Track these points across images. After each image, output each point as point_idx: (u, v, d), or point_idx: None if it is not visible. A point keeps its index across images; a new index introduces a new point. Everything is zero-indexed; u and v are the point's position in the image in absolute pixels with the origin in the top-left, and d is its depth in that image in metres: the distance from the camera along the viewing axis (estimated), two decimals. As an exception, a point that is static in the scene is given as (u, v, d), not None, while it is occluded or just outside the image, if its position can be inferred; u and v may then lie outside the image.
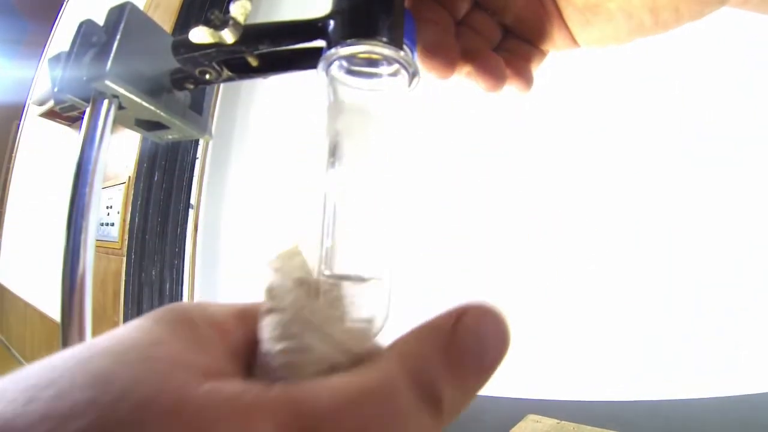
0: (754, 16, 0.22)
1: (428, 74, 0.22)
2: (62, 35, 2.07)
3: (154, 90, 0.25)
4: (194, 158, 1.24)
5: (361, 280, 0.20)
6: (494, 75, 0.23)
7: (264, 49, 0.22)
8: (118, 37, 0.23)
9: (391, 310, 0.21)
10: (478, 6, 0.24)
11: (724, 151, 0.63)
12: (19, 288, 2.00)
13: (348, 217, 0.20)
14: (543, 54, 0.26)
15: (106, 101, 0.24)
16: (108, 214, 1.18)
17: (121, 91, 0.23)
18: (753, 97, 0.63)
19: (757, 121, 0.62)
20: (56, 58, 0.25)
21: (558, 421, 0.52)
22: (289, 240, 0.16)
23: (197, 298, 1.19)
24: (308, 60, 0.22)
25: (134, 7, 0.24)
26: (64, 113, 1.58)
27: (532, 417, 0.53)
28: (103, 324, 1.11)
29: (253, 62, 0.23)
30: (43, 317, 1.61)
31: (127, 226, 1.12)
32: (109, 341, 0.11)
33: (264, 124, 1.23)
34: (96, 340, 0.11)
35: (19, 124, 2.49)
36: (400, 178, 0.22)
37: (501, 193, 0.80)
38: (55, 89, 0.24)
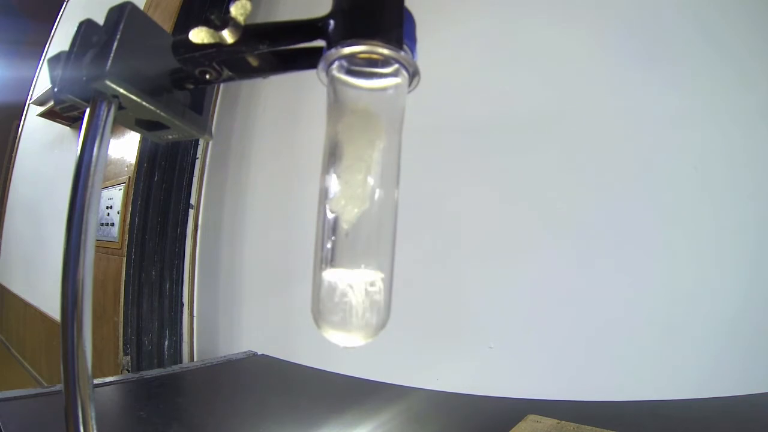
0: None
1: None
2: (62, 35, 2.07)
3: (154, 90, 0.25)
4: (194, 158, 1.23)
5: (362, 276, 0.20)
6: None
7: (264, 49, 0.22)
8: (118, 37, 0.23)
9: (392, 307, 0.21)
10: None
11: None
12: (19, 288, 2.00)
13: (349, 216, 0.20)
14: None
15: (106, 101, 0.24)
16: (108, 214, 1.18)
17: (121, 91, 0.23)
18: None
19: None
20: (56, 58, 0.24)
21: (558, 421, 0.52)
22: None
23: (197, 299, 1.19)
24: (308, 60, 0.22)
25: (134, 7, 0.24)
26: (64, 113, 1.58)
27: (532, 417, 0.53)
28: (103, 324, 1.11)
29: (253, 62, 0.23)
30: (43, 317, 1.61)
31: (127, 226, 1.11)
32: None
33: (264, 123, 1.23)
34: None
35: (19, 124, 2.49)
36: (400, 177, 0.22)
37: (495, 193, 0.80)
38: (55, 89, 0.24)
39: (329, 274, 0.20)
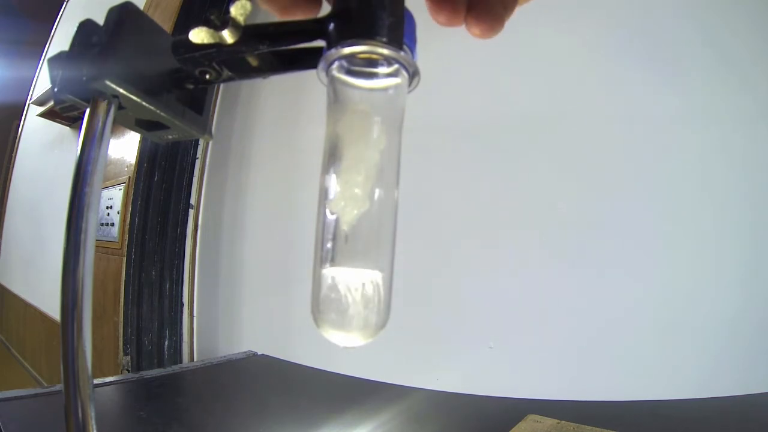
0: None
1: (437, 22, 0.20)
2: (62, 35, 2.07)
3: (154, 90, 0.25)
4: (194, 158, 1.23)
5: (362, 275, 0.20)
6: (494, 17, 0.22)
7: (264, 49, 0.22)
8: (118, 37, 0.23)
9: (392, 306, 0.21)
10: None
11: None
12: (19, 288, 2.00)
13: (348, 217, 0.20)
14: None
15: (106, 101, 0.24)
16: (108, 214, 1.18)
17: (121, 91, 0.23)
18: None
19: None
20: (56, 58, 0.24)
21: (558, 421, 0.52)
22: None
23: (197, 299, 1.19)
24: (308, 60, 0.22)
25: (134, 7, 0.24)
26: (64, 113, 1.58)
27: (532, 417, 0.53)
28: (103, 324, 1.11)
29: (253, 62, 0.23)
30: (43, 317, 1.61)
31: (127, 226, 1.11)
32: None
33: (264, 123, 1.23)
34: None
35: (19, 124, 2.49)
36: (400, 178, 0.22)
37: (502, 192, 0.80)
38: (55, 89, 0.24)
39: (329, 274, 0.20)
